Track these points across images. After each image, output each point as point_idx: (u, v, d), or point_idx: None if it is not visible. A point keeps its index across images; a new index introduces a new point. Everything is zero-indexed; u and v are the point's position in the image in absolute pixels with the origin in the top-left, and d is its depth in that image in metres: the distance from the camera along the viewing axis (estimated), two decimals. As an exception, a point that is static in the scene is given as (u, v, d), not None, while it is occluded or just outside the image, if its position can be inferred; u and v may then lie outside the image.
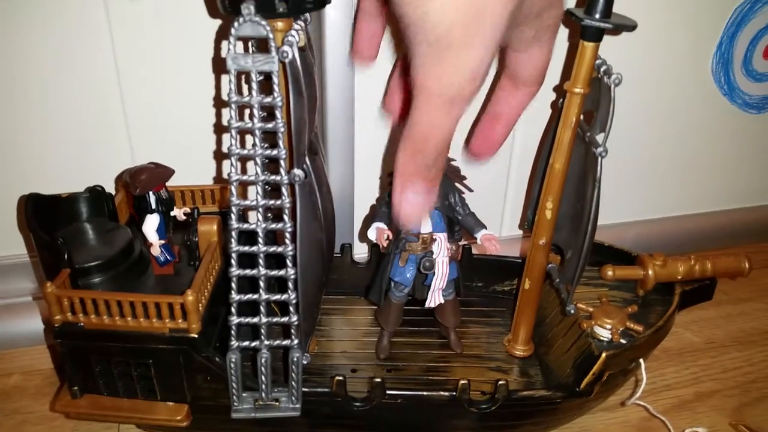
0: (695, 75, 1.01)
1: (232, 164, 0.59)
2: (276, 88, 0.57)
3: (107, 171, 0.84)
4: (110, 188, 0.79)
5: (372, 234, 0.73)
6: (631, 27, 0.61)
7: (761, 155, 1.14)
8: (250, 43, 0.65)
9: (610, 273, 0.79)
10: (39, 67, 0.79)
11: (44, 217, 0.72)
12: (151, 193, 0.70)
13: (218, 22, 0.80)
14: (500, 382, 0.68)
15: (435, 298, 0.75)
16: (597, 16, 0.61)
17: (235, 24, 0.55)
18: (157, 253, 0.72)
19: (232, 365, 0.65)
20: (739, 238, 1.19)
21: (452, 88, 0.47)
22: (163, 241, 0.72)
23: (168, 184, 0.73)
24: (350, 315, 0.88)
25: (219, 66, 0.82)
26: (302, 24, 0.62)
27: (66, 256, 0.67)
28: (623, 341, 0.72)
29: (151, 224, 0.71)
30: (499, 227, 1.06)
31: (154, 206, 0.71)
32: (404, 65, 0.56)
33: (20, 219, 0.86)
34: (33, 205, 0.71)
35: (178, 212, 0.75)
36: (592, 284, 0.82)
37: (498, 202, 1.04)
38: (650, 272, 0.77)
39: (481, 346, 0.83)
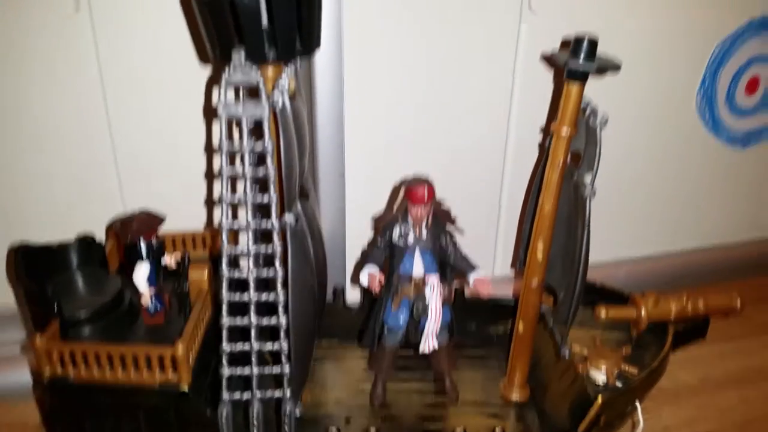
0: (681, 112, 1.03)
1: (222, 211, 0.60)
2: (266, 134, 0.57)
3: (98, 219, 0.84)
4: (101, 236, 0.79)
5: (364, 279, 0.73)
6: (616, 68, 0.61)
7: (748, 189, 1.15)
8: (240, 90, 0.66)
9: (603, 314, 0.78)
10: (28, 117, 0.79)
11: (34, 267, 0.71)
12: (141, 241, 0.70)
13: (208, 68, 0.81)
14: (496, 430, 0.67)
15: (429, 343, 0.75)
16: (581, 57, 0.62)
17: (227, 71, 0.56)
18: (147, 302, 0.71)
19: (224, 419, 0.64)
20: (730, 274, 1.19)
21: None
22: (153, 290, 0.71)
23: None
24: (343, 362, 0.86)
25: (209, 112, 0.83)
26: (292, 69, 0.63)
27: (55, 307, 0.67)
28: (619, 384, 0.71)
29: (141, 273, 0.70)
30: (492, 266, 1.06)
31: (144, 255, 0.70)
32: None
33: (9, 269, 0.85)
34: (22, 256, 0.71)
35: (169, 259, 0.74)
36: (586, 325, 0.81)
37: (490, 241, 1.04)
38: (643, 312, 0.77)
39: (476, 391, 0.82)
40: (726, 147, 1.09)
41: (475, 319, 0.90)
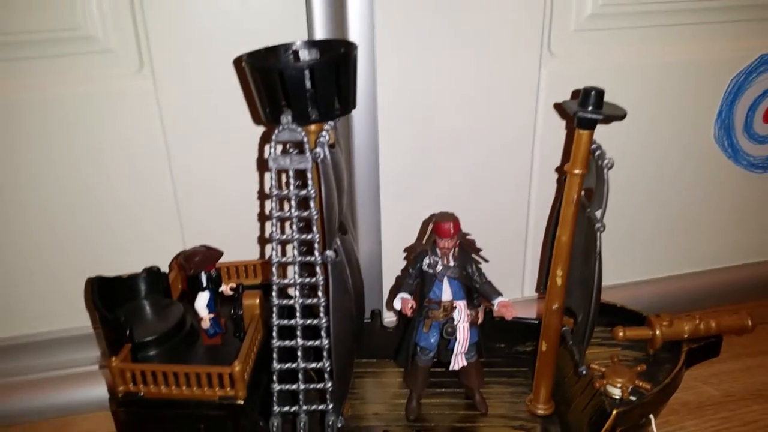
0: (699, 141, 1.09)
1: (273, 248, 0.69)
2: (310, 182, 0.66)
3: (161, 252, 0.94)
4: (164, 267, 0.88)
5: (398, 304, 0.81)
6: (620, 117, 0.68)
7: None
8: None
9: (621, 334, 0.85)
10: (101, 166, 0.90)
11: (107, 296, 0.81)
12: (202, 272, 0.79)
13: (261, 128, 0.92)
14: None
15: (458, 361, 0.82)
16: (589, 107, 0.69)
17: (276, 131, 0.65)
18: (207, 326, 0.80)
19: (274, 429, 0.72)
20: (759, 292, 1.23)
21: None
22: (212, 315, 0.80)
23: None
24: (381, 378, 0.94)
25: (261, 164, 0.93)
26: (332, 124, 0.72)
27: (128, 333, 0.77)
28: (633, 398, 0.77)
29: (202, 301, 0.79)
30: (521, 288, 1.13)
31: (205, 284, 0.79)
32: None
33: (87, 298, 0.97)
34: (97, 287, 0.81)
35: (225, 288, 0.83)
36: (606, 344, 0.88)
37: (518, 265, 1.11)
38: (657, 332, 0.83)
39: (504, 405, 0.89)
40: (746, 172, 1.13)
41: (504, 339, 0.97)
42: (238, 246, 0.95)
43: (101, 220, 0.93)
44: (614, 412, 0.74)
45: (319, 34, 0.86)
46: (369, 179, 0.93)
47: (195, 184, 0.94)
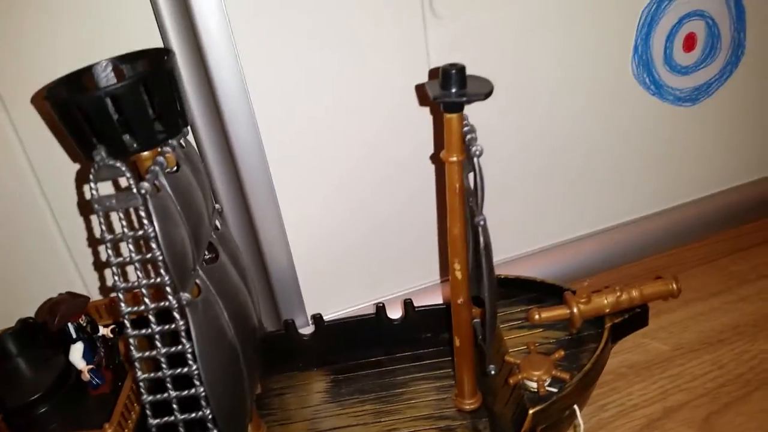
0: (619, 81, 1.00)
1: (120, 298, 0.61)
2: (145, 220, 0.58)
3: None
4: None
5: None
6: (485, 95, 0.60)
7: (708, 143, 1.12)
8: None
9: (537, 317, 0.78)
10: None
11: None
12: (69, 324, 0.72)
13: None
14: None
15: None
16: (453, 89, 0.61)
17: (92, 170, 0.57)
18: (87, 378, 0.74)
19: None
20: (704, 229, 1.17)
21: None
22: (90, 366, 0.74)
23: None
24: (302, 393, 0.89)
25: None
26: (174, 143, 0.64)
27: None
28: (553, 389, 0.71)
29: (76, 353, 0.73)
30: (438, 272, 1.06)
31: (74, 335, 0.73)
32: None
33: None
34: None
35: (106, 331, 0.77)
36: (526, 326, 0.82)
37: (432, 248, 1.03)
38: (575, 310, 0.77)
39: (430, 404, 0.84)
40: (675, 107, 1.05)
41: (430, 328, 0.91)
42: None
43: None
44: (530, 412, 0.68)
45: (173, 38, 0.77)
46: (260, 182, 0.86)
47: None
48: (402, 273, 1.01)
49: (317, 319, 0.90)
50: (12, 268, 0.87)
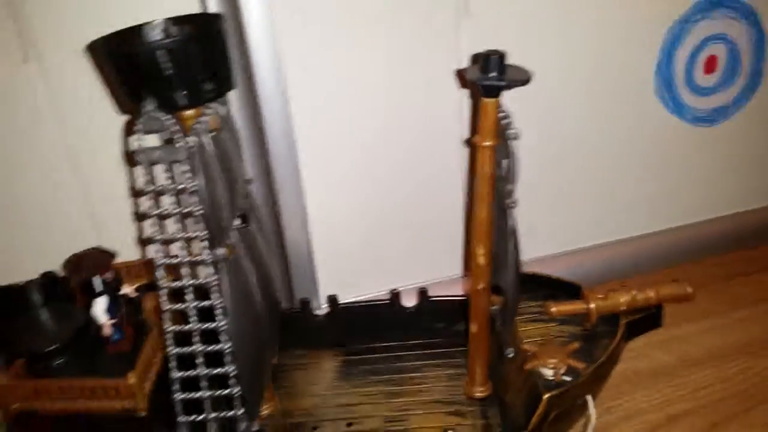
0: (641, 98, 1.03)
1: (156, 249, 0.63)
2: (186, 174, 0.60)
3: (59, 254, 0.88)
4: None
5: None
6: (523, 81, 0.62)
7: (721, 165, 1.14)
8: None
9: (553, 309, 0.80)
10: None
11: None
12: (96, 277, 0.73)
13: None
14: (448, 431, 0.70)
15: None
16: (492, 74, 0.63)
17: (139, 122, 0.59)
18: (108, 333, 0.74)
19: (182, 440, 0.67)
20: (713, 249, 1.19)
21: None
22: (113, 321, 0.74)
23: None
24: (311, 370, 0.89)
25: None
26: (215, 107, 0.65)
27: (22, 346, 0.71)
28: (568, 378, 0.73)
29: (99, 307, 0.74)
30: (461, 265, 1.08)
31: (100, 289, 0.74)
32: None
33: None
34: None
35: (130, 289, 0.78)
36: (541, 320, 0.83)
37: (457, 242, 1.05)
38: (592, 305, 0.78)
39: (441, 389, 0.84)
40: (693, 126, 1.08)
41: (443, 319, 0.92)
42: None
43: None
44: (545, 397, 0.69)
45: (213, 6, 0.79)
46: (286, 162, 0.88)
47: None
48: (421, 264, 1.03)
49: (332, 300, 0.91)
50: (37, 224, 0.88)
